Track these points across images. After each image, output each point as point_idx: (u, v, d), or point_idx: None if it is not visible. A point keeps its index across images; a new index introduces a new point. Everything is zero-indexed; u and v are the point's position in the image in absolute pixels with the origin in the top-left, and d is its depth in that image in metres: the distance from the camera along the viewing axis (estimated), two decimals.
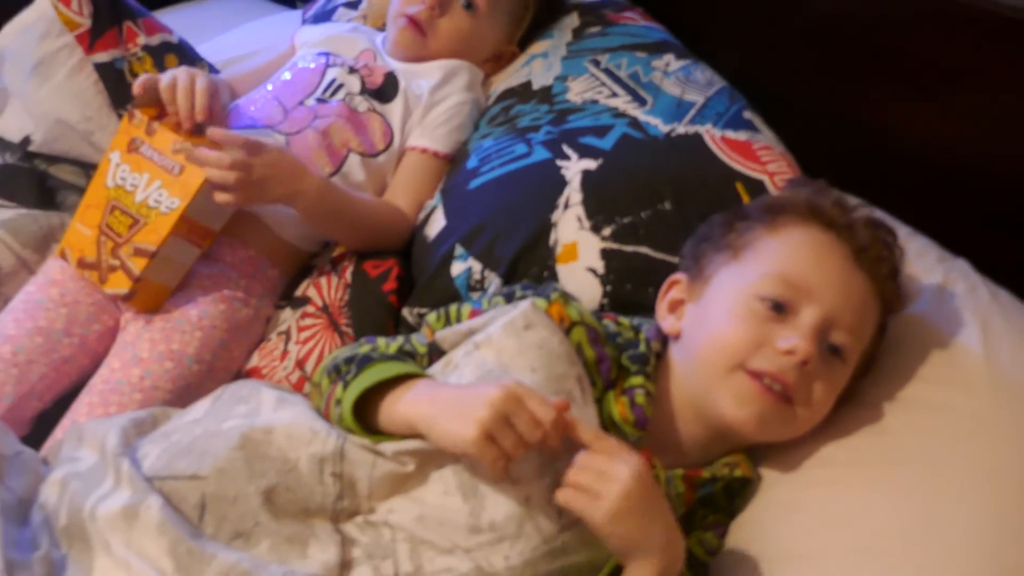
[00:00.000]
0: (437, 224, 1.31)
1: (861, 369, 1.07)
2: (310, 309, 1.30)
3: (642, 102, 1.33)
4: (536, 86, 1.41)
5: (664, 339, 1.09)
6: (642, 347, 1.05)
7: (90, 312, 1.27)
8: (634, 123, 1.30)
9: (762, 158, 1.27)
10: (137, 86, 1.25)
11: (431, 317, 1.09)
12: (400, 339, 1.08)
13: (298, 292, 1.34)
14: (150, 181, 1.22)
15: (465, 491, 0.92)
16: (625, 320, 1.11)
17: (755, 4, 1.46)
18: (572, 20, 1.50)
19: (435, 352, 1.05)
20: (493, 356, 0.98)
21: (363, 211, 1.32)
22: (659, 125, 1.30)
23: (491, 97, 1.48)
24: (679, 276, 1.11)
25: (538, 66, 1.45)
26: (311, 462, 0.94)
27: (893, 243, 1.08)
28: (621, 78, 1.37)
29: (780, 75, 1.43)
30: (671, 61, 1.39)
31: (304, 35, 1.58)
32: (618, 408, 1.01)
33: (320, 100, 1.40)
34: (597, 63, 1.40)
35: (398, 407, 0.94)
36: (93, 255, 1.24)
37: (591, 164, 1.26)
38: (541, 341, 0.98)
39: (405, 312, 1.27)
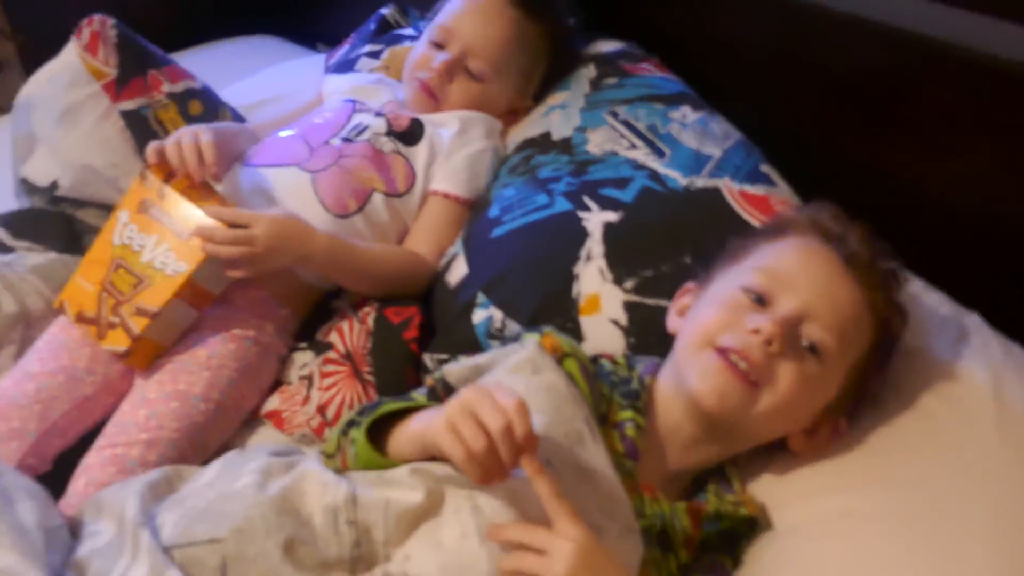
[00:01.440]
0: (459, 271, 1.32)
1: (856, 386, 1.08)
2: (332, 355, 1.30)
3: (660, 154, 1.34)
4: (556, 136, 1.42)
5: (656, 371, 1.12)
6: (634, 384, 1.09)
7: None
8: (654, 175, 1.31)
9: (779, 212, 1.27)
10: (150, 154, 1.27)
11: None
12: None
13: (320, 336, 1.34)
14: (158, 243, 1.23)
15: (483, 534, 0.91)
16: (621, 359, 1.15)
17: (770, 55, 1.46)
18: (589, 71, 1.51)
19: (446, 388, 1.07)
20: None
21: (376, 262, 1.33)
22: (678, 178, 1.31)
23: (510, 146, 1.49)
24: (691, 284, 1.17)
25: (557, 117, 1.46)
26: (325, 513, 0.94)
27: (889, 257, 1.11)
28: (639, 130, 1.38)
29: (796, 126, 1.44)
30: (688, 113, 1.40)
31: (330, 84, 1.61)
32: (609, 441, 1.03)
33: (346, 140, 1.42)
34: (615, 114, 1.41)
35: (408, 428, 0.97)
36: (93, 310, 1.24)
37: (612, 216, 1.27)
38: (549, 385, 1.00)
39: (426, 358, 1.28)
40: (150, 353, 1.25)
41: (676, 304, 1.17)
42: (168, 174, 1.26)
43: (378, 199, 1.39)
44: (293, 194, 1.35)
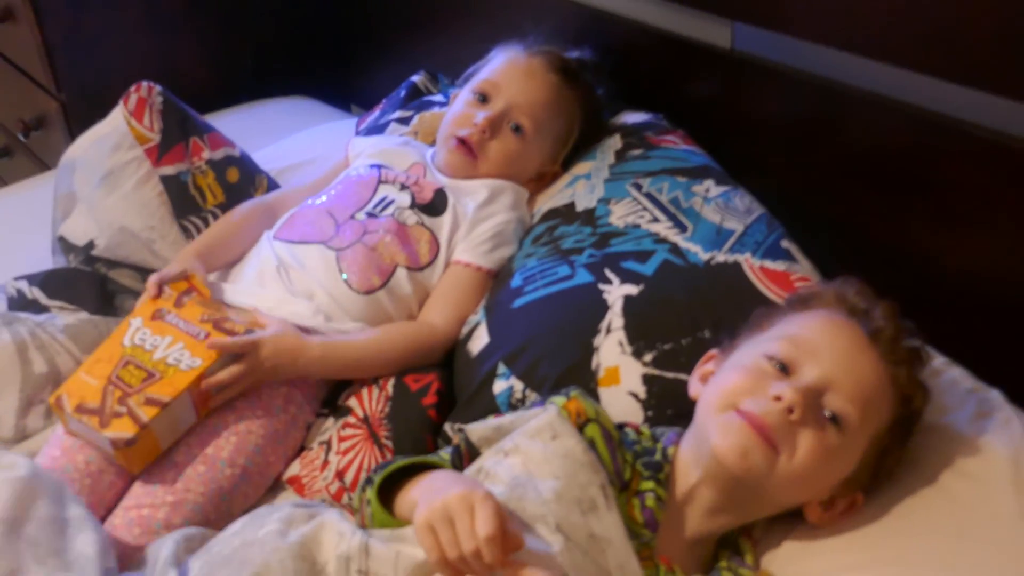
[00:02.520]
0: (480, 340, 1.32)
1: (875, 461, 1.08)
2: (351, 420, 1.31)
3: (683, 228, 1.34)
4: (580, 207, 1.43)
5: (678, 441, 1.12)
6: (658, 455, 1.09)
7: None
8: (675, 249, 1.32)
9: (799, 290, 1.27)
10: (152, 286, 1.32)
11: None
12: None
13: (340, 401, 1.34)
14: (172, 343, 1.26)
15: None
16: (646, 430, 1.15)
17: (794, 130, 1.47)
18: (615, 142, 1.52)
19: (468, 447, 1.10)
20: (521, 463, 1.01)
21: (379, 352, 1.33)
22: (699, 252, 1.31)
23: (536, 215, 1.50)
24: (715, 351, 1.17)
25: (581, 187, 1.47)
26: (338, 562, 0.96)
27: (913, 334, 1.11)
28: (662, 203, 1.39)
29: (820, 201, 1.45)
30: (711, 187, 1.41)
31: (357, 146, 1.62)
32: (628, 510, 1.04)
33: (370, 215, 1.44)
34: (639, 187, 1.42)
35: (408, 495, 0.99)
36: (96, 402, 1.21)
37: (632, 289, 1.27)
38: (566, 451, 1.01)
39: (447, 427, 1.28)
40: (147, 451, 1.21)
41: (699, 370, 1.17)
42: (186, 289, 1.32)
43: (401, 274, 1.40)
44: (319, 271, 1.38)
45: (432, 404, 1.29)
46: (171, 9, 2.31)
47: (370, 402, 1.31)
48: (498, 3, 1.89)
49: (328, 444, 1.31)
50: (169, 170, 1.56)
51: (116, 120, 1.59)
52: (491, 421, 1.10)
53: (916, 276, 1.36)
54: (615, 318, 1.25)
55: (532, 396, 1.24)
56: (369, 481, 1.06)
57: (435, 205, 1.46)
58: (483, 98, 1.50)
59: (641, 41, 1.65)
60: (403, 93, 1.84)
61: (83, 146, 1.61)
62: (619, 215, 1.39)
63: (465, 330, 1.37)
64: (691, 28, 1.57)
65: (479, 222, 1.45)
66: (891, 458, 1.10)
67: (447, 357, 1.38)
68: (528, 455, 1.01)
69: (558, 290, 1.31)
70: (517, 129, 1.49)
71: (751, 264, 1.30)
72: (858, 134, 1.39)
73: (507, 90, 1.50)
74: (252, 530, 1.03)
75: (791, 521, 1.12)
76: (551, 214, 1.46)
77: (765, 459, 1.02)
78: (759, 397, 1.03)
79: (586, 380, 1.23)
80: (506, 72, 1.52)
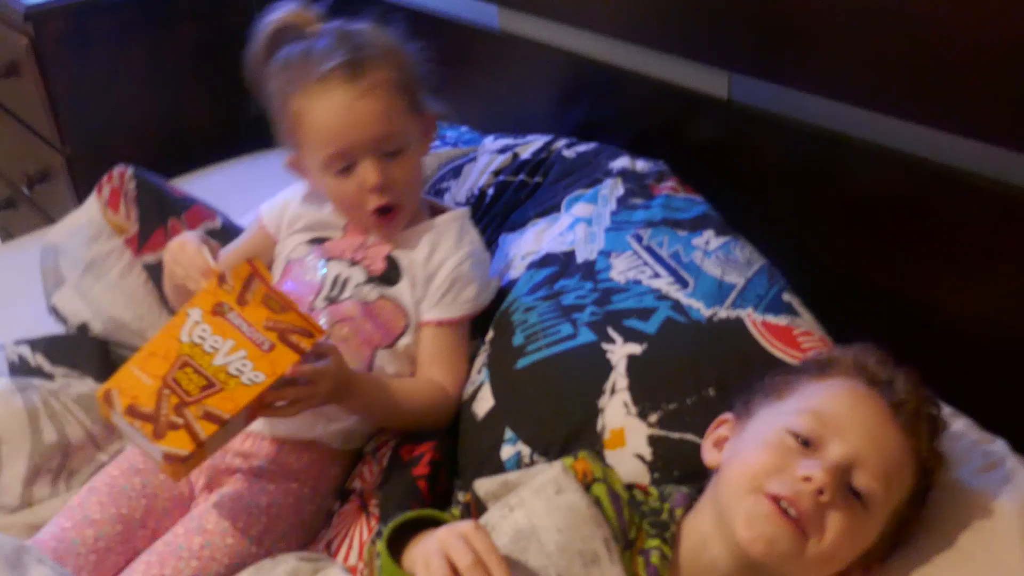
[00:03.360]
0: (485, 403, 1.30)
1: (894, 532, 1.06)
2: (353, 497, 1.29)
3: (684, 284, 1.33)
4: (580, 259, 1.41)
5: (688, 506, 1.10)
6: (664, 515, 1.08)
7: (166, 507, 1.28)
8: (677, 306, 1.30)
9: (802, 344, 1.26)
10: (212, 274, 1.22)
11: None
12: None
13: (347, 484, 1.32)
14: (234, 349, 1.13)
15: None
16: (654, 491, 1.13)
17: (793, 179, 1.46)
18: (616, 187, 1.50)
19: (478, 505, 1.08)
20: (524, 517, 1.00)
21: (408, 397, 1.30)
22: (701, 308, 1.29)
23: (536, 255, 1.45)
24: (728, 416, 1.14)
25: (582, 232, 1.44)
26: None
27: (933, 403, 1.09)
28: (663, 257, 1.37)
29: (820, 249, 1.44)
30: (711, 239, 1.39)
31: (274, 216, 1.46)
32: (633, 567, 1.02)
33: (330, 300, 1.35)
34: (639, 238, 1.40)
35: (415, 547, 0.96)
36: (150, 406, 1.09)
37: (636, 349, 1.26)
38: (570, 504, 1.01)
39: (458, 494, 1.27)
40: (197, 461, 1.14)
41: (712, 436, 1.15)
42: (248, 278, 1.18)
43: (382, 356, 1.33)
44: None
45: (423, 475, 1.25)
46: (174, 60, 2.32)
47: (370, 476, 1.29)
48: (497, 56, 1.89)
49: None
50: (151, 258, 1.54)
51: (92, 210, 1.58)
52: (499, 477, 1.10)
53: (917, 323, 1.35)
54: (619, 378, 1.24)
55: (540, 460, 1.22)
56: (379, 533, 1.05)
57: (389, 275, 1.36)
58: (347, 168, 1.33)
59: (640, 91, 1.65)
60: None
61: (62, 234, 1.60)
62: (620, 270, 1.37)
63: (470, 389, 1.35)
64: (689, 79, 1.56)
65: (432, 276, 1.36)
66: (909, 527, 1.08)
67: (449, 425, 1.35)
68: (532, 509, 1.01)
69: (561, 350, 1.29)
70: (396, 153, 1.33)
71: (753, 319, 1.28)
72: (858, 183, 1.38)
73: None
74: None
75: None
76: (550, 260, 1.43)
77: (794, 545, 1.00)
78: (786, 477, 1.00)
79: (592, 442, 1.21)
80: None
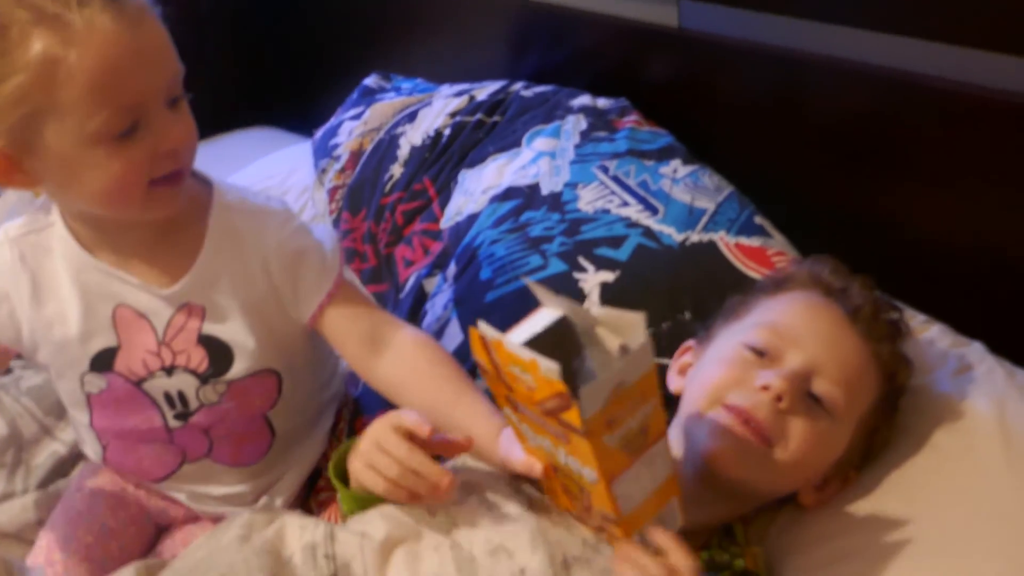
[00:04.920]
0: (454, 339, 1.23)
1: (864, 438, 1.02)
2: (321, 483, 1.19)
3: (654, 211, 1.26)
4: (545, 191, 1.33)
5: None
6: None
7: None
8: (648, 232, 1.23)
9: (776, 263, 1.20)
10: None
11: None
12: None
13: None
14: (551, 445, 0.82)
15: (459, 564, 0.87)
16: None
17: (752, 104, 1.39)
18: (579, 122, 1.42)
19: None
20: None
21: (448, 381, 1.04)
22: (673, 234, 1.23)
23: (498, 188, 1.36)
24: (691, 343, 1.10)
25: (545, 166, 1.36)
26: (304, 552, 0.90)
27: (892, 307, 1.06)
28: (631, 186, 1.30)
29: (785, 174, 1.37)
30: (678, 167, 1.32)
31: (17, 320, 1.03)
32: None
33: (182, 417, 1.06)
34: (606, 169, 1.33)
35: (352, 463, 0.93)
36: (574, 510, 0.89)
37: (608, 276, 1.19)
38: None
39: None
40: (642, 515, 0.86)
41: (676, 363, 1.10)
42: (485, 349, 0.79)
43: (276, 413, 1.10)
44: (221, 476, 1.12)
45: None
46: None
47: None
48: (447, 8, 1.81)
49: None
50: None
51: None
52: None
53: (887, 241, 1.29)
54: (593, 307, 1.16)
55: None
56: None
57: (216, 359, 1.03)
58: None
59: (591, 29, 1.57)
60: (356, 96, 1.74)
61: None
62: (587, 200, 1.29)
63: (436, 327, 1.27)
64: (637, 11, 1.49)
65: (272, 288, 1.03)
66: (880, 435, 1.04)
67: None
68: None
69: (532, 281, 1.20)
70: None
71: (726, 242, 1.22)
72: (817, 102, 1.32)
73: None
74: (214, 541, 0.96)
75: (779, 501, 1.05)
76: (514, 192, 1.35)
77: (759, 455, 0.95)
78: (745, 389, 0.96)
79: None
80: None
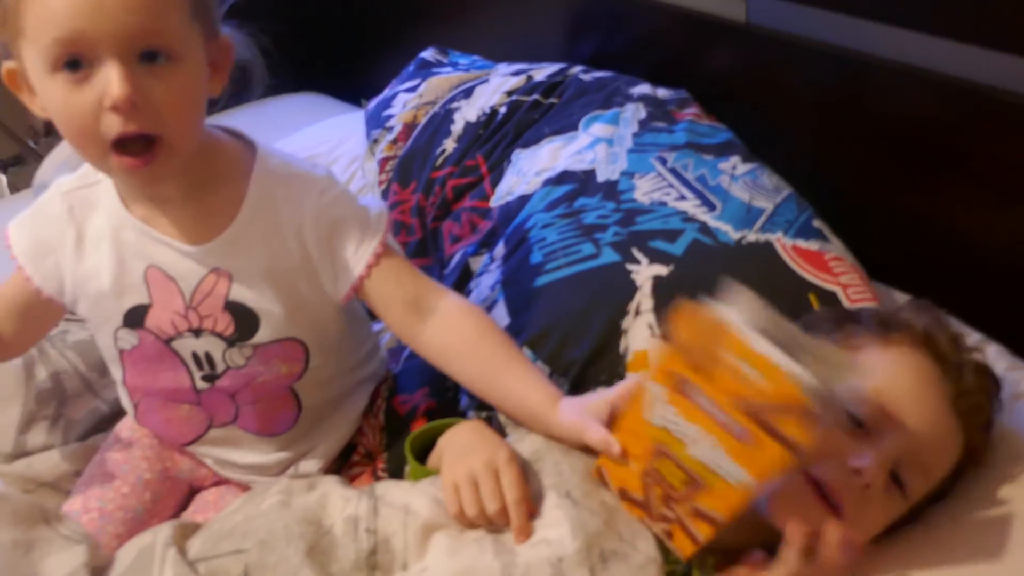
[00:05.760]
0: (499, 321, 1.19)
1: (923, 502, 0.95)
2: (356, 458, 1.17)
3: (711, 207, 1.22)
4: (601, 178, 1.28)
5: None
6: None
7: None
8: (704, 228, 1.19)
9: (834, 269, 1.16)
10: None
11: None
12: None
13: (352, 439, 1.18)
14: (704, 436, 0.82)
15: (498, 552, 0.86)
16: None
17: (815, 104, 1.35)
18: (638, 111, 1.38)
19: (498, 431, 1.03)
20: (542, 440, 0.96)
21: (497, 350, 1.00)
22: (729, 231, 1.18)
23: (552, 171, 1.32)
24: None
25: (602, 152, 1.32)
26: (346, 524, 0.91)
27: (996, 394, 0.98)
28: (689, 180, 1.26)
29: (845, 176, 1.33)
30: (738, 164, 1.28)
31: (46, 273, 1.03)
32: None
33: (209, 379, 1.04)
34: (664, 161, 1.29)
35: (448, 451, 0.95)
36: (640, 494, 0.89)
37: (662, 270, 1.14)
38: None
39: (472, 415, 1.14)
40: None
41: None
42: (702, 331, 0.80)
43: (302, 386, 1.07)
44: (251, 444, 1.11)
45: None
46: None
47: (371, 433, 1.17)
48: None
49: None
50: None
51: None
52: None
53: (947, 250, 1.25)
54: (644, 300, 1.12)
55: (560, 381, 1.11)
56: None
57: (242, 325, 1.01)
58: None
59: (654, 19, 1.53)
60: (412, 68, 1.70)
61: (49, 170, 1.50)
62: (644, 191, 1.25)
63: (481, 308, 1.21)
64: (704, 3, 1.44)
65: (307, 258, 1.00)
66: (941, 496, 0.98)
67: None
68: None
69: (583, 270, 1.17)
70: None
71: (783, 243, 1.17)
72: (883, 106, 1.27)
73: None
74: (253, 505, 0.96)
75: None
76: (568, 177, 1.30)
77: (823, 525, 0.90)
78: (833, 463, 0.88)
79: (613, 364, 1.11)
80: None
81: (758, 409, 0.75)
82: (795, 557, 0.83)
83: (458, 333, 1.00)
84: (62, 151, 1.50)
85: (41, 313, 1.06)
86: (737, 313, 0.78)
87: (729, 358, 0.76)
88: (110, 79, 0.83)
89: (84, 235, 1.00)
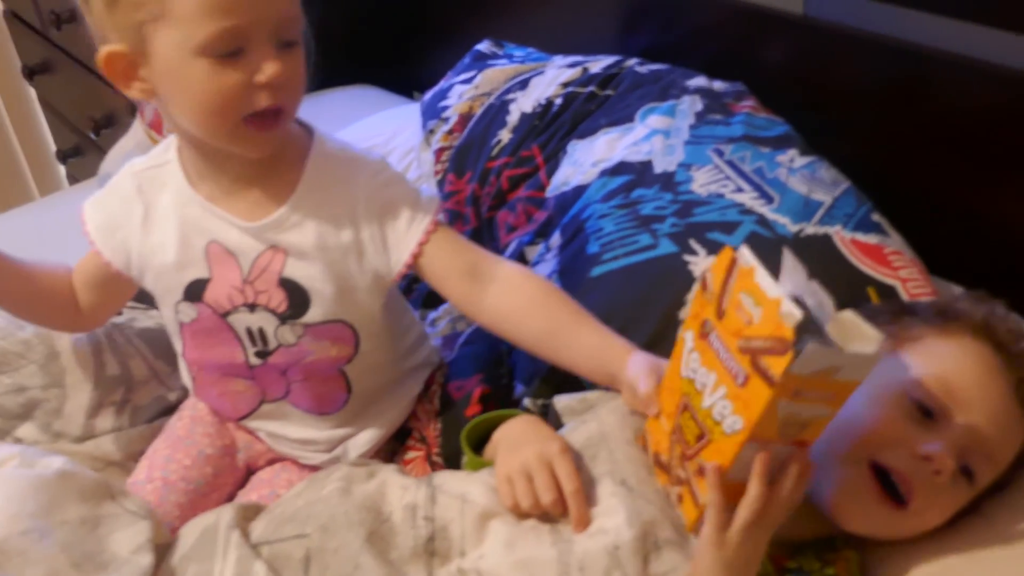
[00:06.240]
0: None
1: (984, 492, 0.95)
2: (410, 442, 1.17)
3: (769, 199, 1.20)
4: (658, 169, 1.28)
5: None
6: None
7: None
8: (762, 221, 1.17)
9: (893, 263, 1.14)
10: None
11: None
12: None
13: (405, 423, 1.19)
14: (716, 385, 0.80)
15: (555, 541, 0.87)
16: None
17: (874, 97, 1.33)
18: (695, 103, 1.37)
19: (555, 419, 1.04)
20: (596, 428, 0.96)
21: (557, 315, 1.01)
22: (787, 224, 1.17)
23: (608, 162, 1.31)
24: None
25: (659, 144, 1.31)
26: (404, 511, 0.92)
27: None
28: (746, 172, 1.24)
29: (904, 170, 1.31)
30: (795, 157, 1.27)
31: (116, 249, 1.08)
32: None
33: (262, 355, 1.07)
34: (721, 153, 1.27)
35: (503, 443, 0.96)
36: (666, 455, 0.88)
37: None
38: (642, 424, 0.94)
39: (528, 403, 1.15)
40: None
41: None
42: (727, 272, 0.80)
43: (353, 368, 1.09)
44: (299, 419, 1.13)
45: (477, 414, 1.11)
46: None
47: (425, 418, 1.17)
48: None
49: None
50: None
51: (138, 134, 1.49)
52: (579, 394, 1.02)
53: (1007, 245, 1.22)
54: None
55: None
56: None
57: (294, 302, 1.03)
58: None
59: (713, 13, 1.51)
60: (468, 60, 1.70)
61: (113, 162, 1.51)
62: (701, 183, 1.24)
63: None
64: None
65: (358, 235, 1.02)
66: (1002, 485, 0.97)
67: (496, 348, 1.20)
68: (604, 422, 0.96)
69: (640, 260, 1.17)
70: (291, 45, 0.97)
71: (842, 237, 1.16)
72: (944, 99, 1.25)
73: None
74: (314, 491, 0.97)
75: None
76: (625, 168, 1.29)
77: (890, 518, 0.90)
78: (903, 450, 0.88)
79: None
80: None
81: (752, 345, 0.74)
82: None
83: (523, 294, 1.01)
84: (125, 144, 1.53)
85: (113, 286, 1.12)
86: (785, 275, 0.78)
87: (741, 297, 0.76)
88: (266, 61, 0.90)
89: (151, 212, 1.05)
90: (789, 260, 0.78)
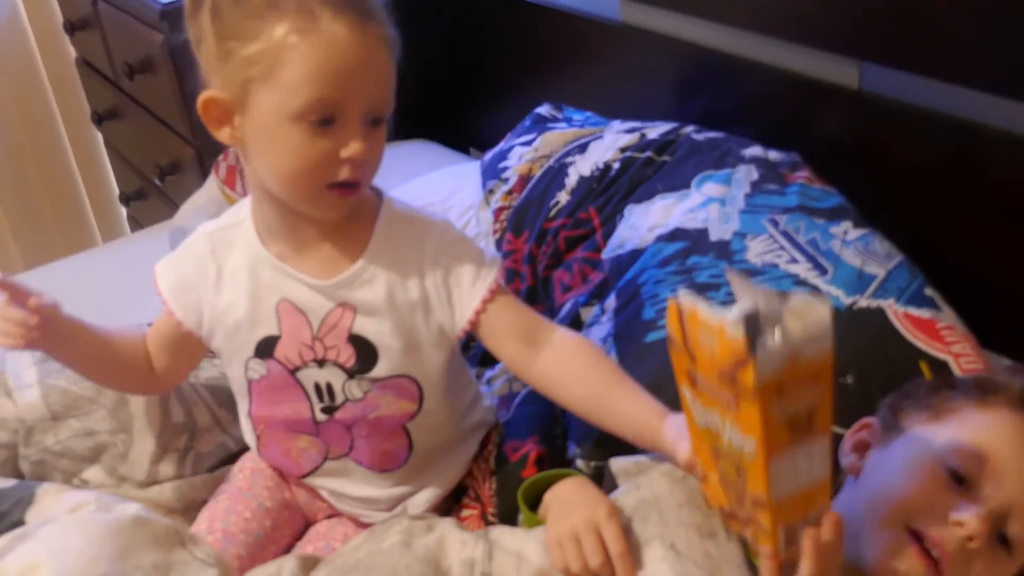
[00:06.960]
0: None
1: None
2: (466, 500, 1.18)
3: (823, 271, 1.21)
4: (714, 237, 1.30)
5: None
6: None
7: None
8: (815, 293, 1.18)
9: (946, 338, 1.15)
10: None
11: None
12: None
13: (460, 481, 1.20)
14: (722, 420, 0.82)
15: None
16: None
17: (928, 172, 1.34)
18: (750, 172, 1.39)
19: (610, 482, 1.04)
20: (649, 491, 0.96)
21: (607, 379, 1.03)
22: (841, 296, 1.18)
23: (664, 228, 1.33)
24: (871, 420, 1.03)
25: (715, 212, 1.33)
26: (463, 566, 0.93)
27: None
28: (800, 243, 1.26)
29: (956, 245, 1.32)
30: (849, 229, 1.28)
31: (188, 309, 1.09)
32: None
33: (328, 411, 1.08)
34: (776, 223, 1.29)
35: (554, 507, 0.96)
36: (728, 505, 0.89)
37: None
38: (695, 487, 0.94)
39: (581, 464, 1.16)
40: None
41: (852, 439, 1.03)
42: (679, 321, 0.82)
43: (416, 426, 1.10)
44: (361, 477, 1.14)
45: (532, 475, 1.11)
46: None
47: (479, 476, 1.18)
48: (617, 46, 1.78)
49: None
50: None
51: (211, 189, 1.52)
52: (634, 457, 1.03)
53: None
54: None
55: None
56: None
57: (363, 357, 1.05)
58: None
59: (764, 82, 1.54)
60: (528, 123, 1.74)
61: (186, 215, 1.55)
62: (756, 252, 1.26)
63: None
64: (817, 68, 1.45)
65: (424, 292, 1.04)
66: None
67: (552, 409, 1.21)
68: (656, 485, 0.96)
69: None
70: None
71: (895, 310, 1.17)
72: (998, 176, 1.26)
73: None
74: (374, 543, 0.98)
75: None
76: (681, 234, 1.31)
77: None
78: (935, 517, 0.89)
79: None
80: None
81: (724, 371, 0.76)
82: None
83: (572, 360, 1.04)
84: (199, 198, 1.56)
85: (184, 348, 1.13)
86: (737, 294, 0.78)
87: (699, 335, 0.78)
88: (354, 137, 0.94)
89: (223, 272, 1.08)
90: (734, 279, 0.79)
